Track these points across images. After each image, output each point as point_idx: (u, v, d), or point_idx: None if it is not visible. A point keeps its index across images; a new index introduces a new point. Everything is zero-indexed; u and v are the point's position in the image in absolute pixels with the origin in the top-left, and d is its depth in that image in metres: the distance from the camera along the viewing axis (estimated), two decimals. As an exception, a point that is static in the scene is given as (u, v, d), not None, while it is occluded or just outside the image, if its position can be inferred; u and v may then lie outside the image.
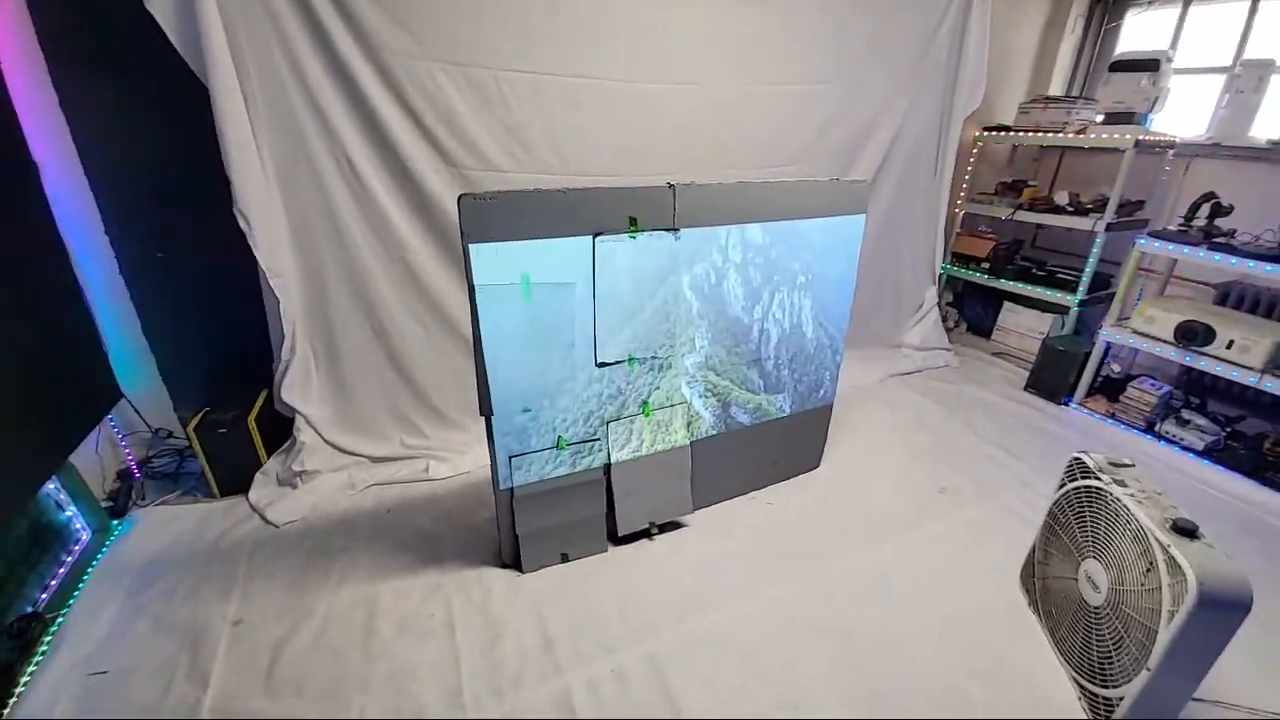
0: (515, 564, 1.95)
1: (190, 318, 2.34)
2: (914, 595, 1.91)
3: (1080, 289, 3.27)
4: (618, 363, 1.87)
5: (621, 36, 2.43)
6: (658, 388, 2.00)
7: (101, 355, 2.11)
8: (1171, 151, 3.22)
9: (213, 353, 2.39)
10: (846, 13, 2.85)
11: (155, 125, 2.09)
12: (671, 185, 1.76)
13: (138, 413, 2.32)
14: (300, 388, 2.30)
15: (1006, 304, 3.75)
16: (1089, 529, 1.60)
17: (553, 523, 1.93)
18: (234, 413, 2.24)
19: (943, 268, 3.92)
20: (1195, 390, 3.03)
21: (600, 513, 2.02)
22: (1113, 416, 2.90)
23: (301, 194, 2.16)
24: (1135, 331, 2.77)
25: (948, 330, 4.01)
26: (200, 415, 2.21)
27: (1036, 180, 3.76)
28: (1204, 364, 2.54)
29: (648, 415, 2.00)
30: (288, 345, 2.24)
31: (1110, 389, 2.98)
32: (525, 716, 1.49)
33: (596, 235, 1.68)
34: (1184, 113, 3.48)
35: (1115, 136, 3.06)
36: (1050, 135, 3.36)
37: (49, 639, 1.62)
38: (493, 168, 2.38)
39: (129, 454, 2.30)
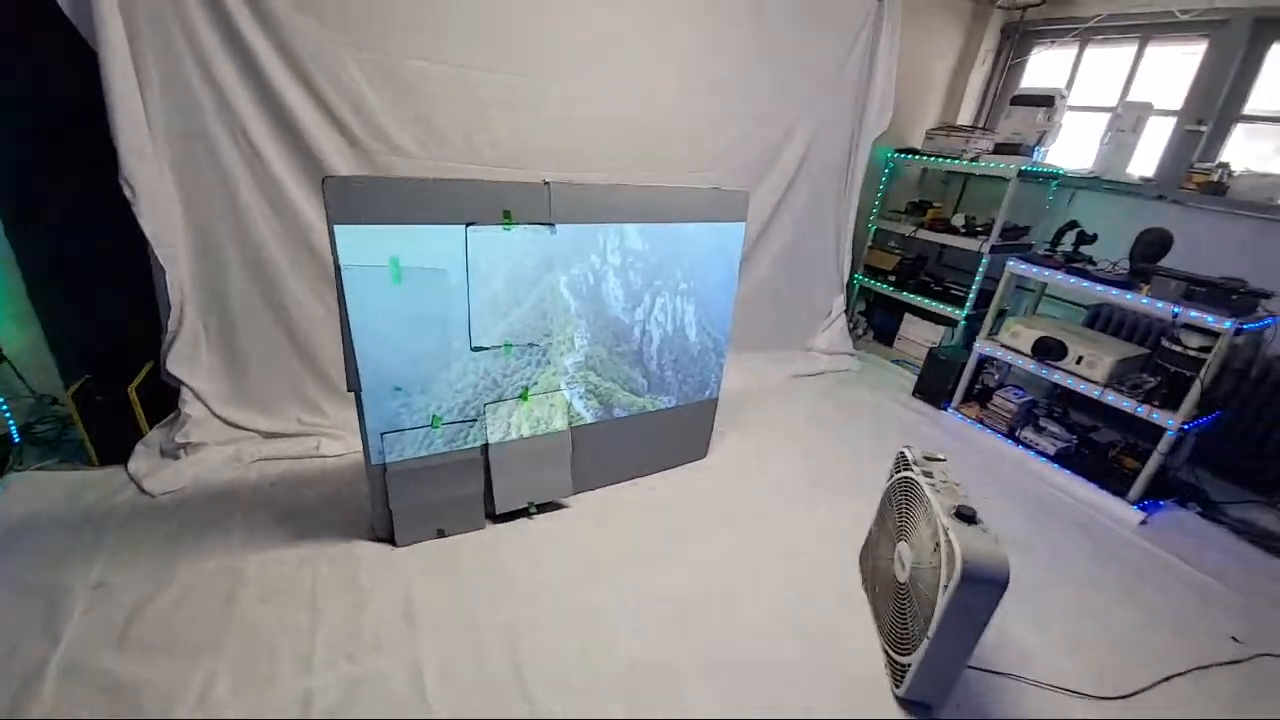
0: (390, 538, 2.02)
1: (78, 284, 2.31)
2: (770, 580, 2.05)
3: (967, 304, 3.52)
4: (494, 348, 1.96)
5: (542, 36, 2.52)
6: (535, 383, 2.09)
7: (-24, 317, 2.08)
8: (1055, 182, 3.50)
9: (101, 320, 2.36)
10: (765, 28, 3.01)
11: (43, 86, 2.06)
12: (547, 182, 1.86)
13: (20, 376, 2.29)
14: (188, 360, 2.32)
15: (908, 315, 4.00)
16: (903, 515, 1.78)
17: (428, 499, 2.01)
18: (115, 381, 2.24)
19: (856, 278, 4.15)
20: (1064, 400, 3.30)
21: (478, 491, 2.10)
22: (981, 421, 3.14)
23: (195, 168, 2.17)
24: (1003, 345, 3.01)
25: (857, 337, 4.25)
26: (81, 382, 2.20)
27: (942, 202, 4.00)
28: (1058, 377, 2.79)
29: (526, 400, 2.09)
30: (174, 316, 2.25)
31: (984, 396, 3.23)
32: (373, 680, 1.57)
33: (469, 225, 1.77)
34: (1080, 147, 3.78)
35: (1001, 166, 3.31)
36: (949, 161, 3.60)
37: (-110, 598, 1.62)
38: (401, 152, 2.44)
39: (9, 418, 2.27)
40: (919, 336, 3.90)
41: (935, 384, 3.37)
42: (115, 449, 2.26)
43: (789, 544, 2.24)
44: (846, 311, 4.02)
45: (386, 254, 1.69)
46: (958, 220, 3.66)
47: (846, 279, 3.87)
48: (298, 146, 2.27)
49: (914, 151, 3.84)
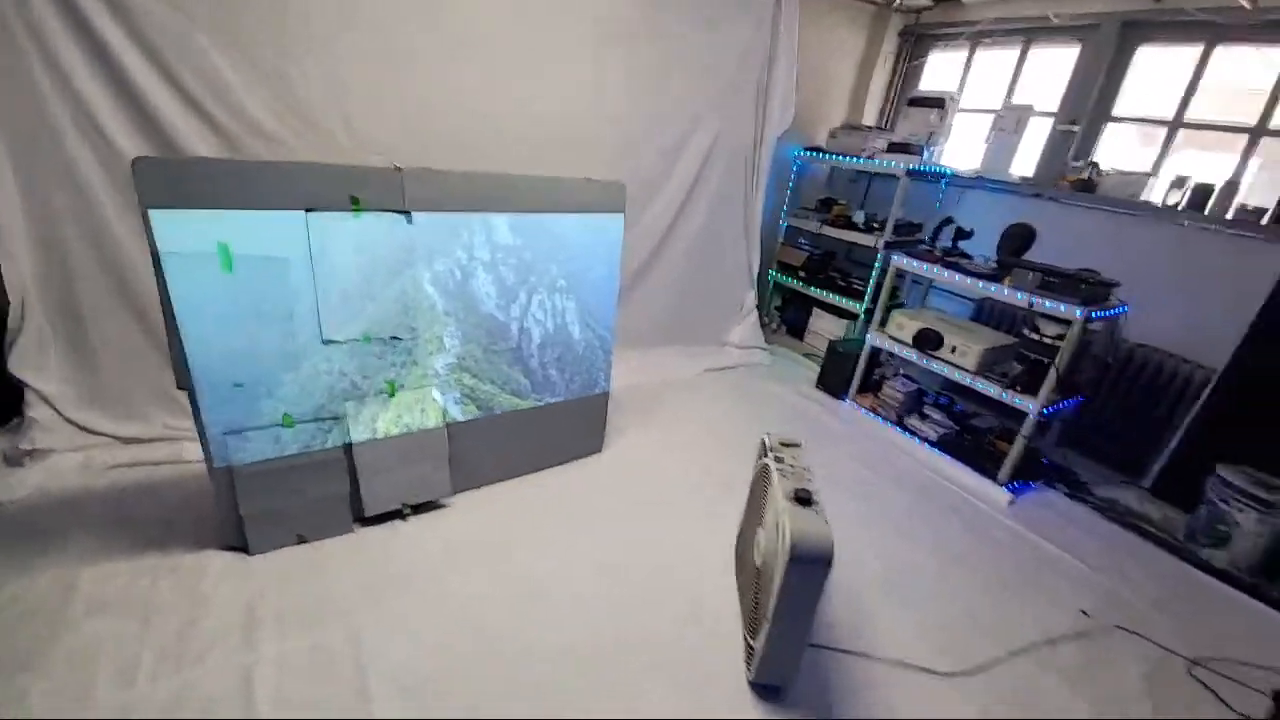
0: (244, 546, 1.93)
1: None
2: (649, 570, 2.05)
3: (866, 298, 3.64)
4: (349, 342, 1.90)
5: (432, 23, 2.49)
6: (402, 385, 2.04)
7: None
8: (944, 181, 3.65)
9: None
10: (663, 25, 3.03)
11: None
12: (399, 168, 1.82)
13: None
14: (34, 360, 2.17)
15: (815, 310, 4.10)
16: (759, 501, 1.81)
17: (285, 503, 1.93)
18: (-55, 386, 2.07)
19: (771, 274, 4.23)
20: (953, 389, 3.44)
21: (343, 493, 2.03)
22: (875, 411, 3.25)
23: (36, 159, 2.04)
24: (890, 337, 3.11)
25: (772, 331, 4.33)
26: (-99, 387, 2.03)
27: (847, 200, 4.12)
28: (935, 366, 2.91)
29: (393, 395, 2.04)
30: (15, 314, 2.10)
31: (879, 387, 3.33)
32: (197, 691, 1.49)
33: (309, 210, 1.71)
34: (974, 147, 3.94)
35: (891, 165, 3.43)
36: (849, 160, 3.70)
37: None
38: (270, 139, 2.34)
39: None
40: (825, 330, 4.00)
41: (835, 376, 3.47)
42: (-53, 458, 2.09)
43: (674, 534, 2.25)
44: (760, 307, 4.10)
45: (213, 240, 1.61)
46: (859, 217, 3.77)
47: (756, 274, 3.94)
48: (154, 134, 2.16)
49: (819, 150, 3.94)
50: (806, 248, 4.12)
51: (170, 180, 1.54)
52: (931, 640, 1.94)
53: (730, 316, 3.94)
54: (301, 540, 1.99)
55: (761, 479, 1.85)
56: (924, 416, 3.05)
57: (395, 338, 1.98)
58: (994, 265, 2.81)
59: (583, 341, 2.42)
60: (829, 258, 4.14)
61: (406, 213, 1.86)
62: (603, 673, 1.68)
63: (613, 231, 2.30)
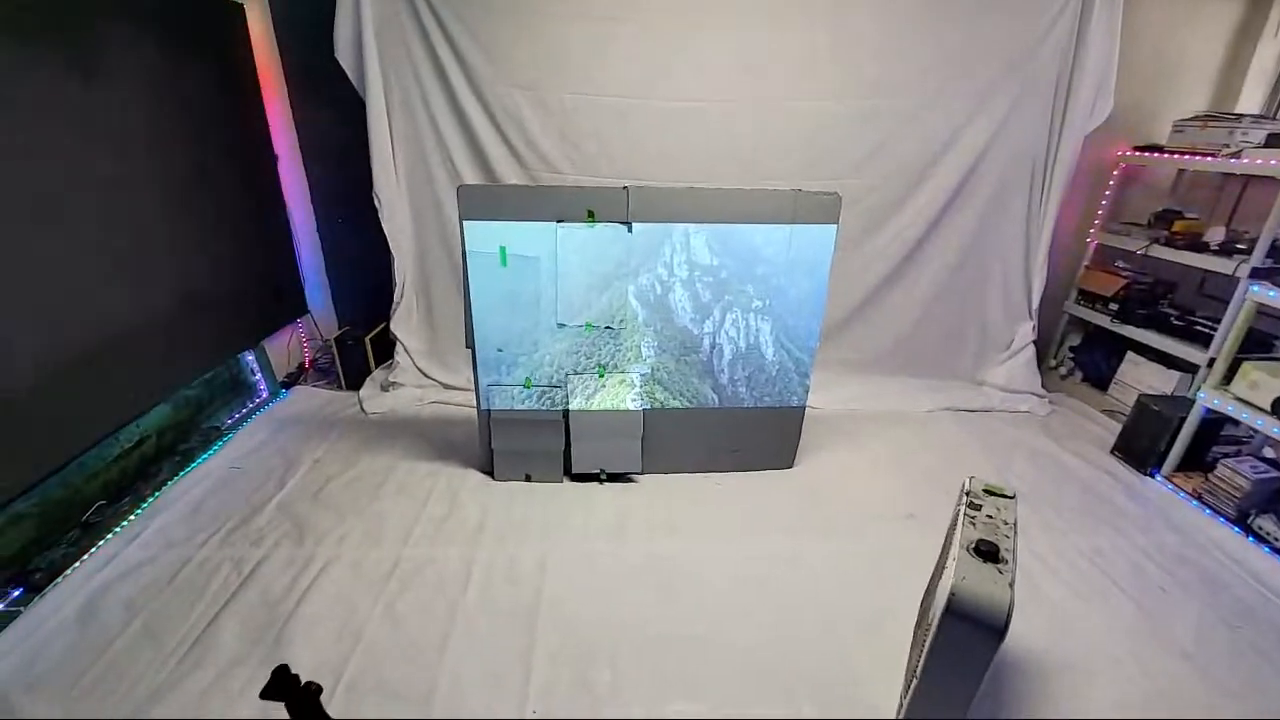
0: (491, 473, 2.50)
1: (354, 264, 3.36)
2: (809, 596, 1.96)
3: (1214, 344, 2.67)
4: (576, 327, 2.30)
5: (665, 63, 2.82)
6: (609, 375, 2.36)
7: (297, 282, 3.21)
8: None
9: (363, 290, 3.38)
10: (919, 21, 2.80)
11: (346, 133, 3.08)
12: (625, 187, 2.14)
13: (315, 326, 3.43)
14: (404, 323, 3.18)
15: (1130, 355, 3.16)
16: (945, 552, 1.57)
17: (520, 447, 2.44)
18: (360, 333, 3.20)
19: (1068, 306, 3.46)
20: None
21: (559, 449, 2.46)
22: (1199, 497, 2.37)
23: (418, 185, 3.00)
24: (1237, 398, 2.24)
25: (1061, 377, 3.52)
26: (341, 331, 3.21)
27: (1201, 214, 3.08)
28: (1313, 447, 1.99)
29: (602, 377, 2.38)
30: (398, 291, 3.13)
31: (1211, 466, 2.43)
32: (438, 564, 2.03)
33: (559, 221, 2.15)
34: None
35: (1266, 163, 2.46)
36: (1198, 159, 2.79)
37: (220, 445, 2.65)
38: (554, 169, 2.97)
39: (307, 352, 3.42)
40: (1141, 383, 3.05)
41: (1142, 441, 2.64)
42: (356, 379, 3.22)
43: (854, 567, 2.08)
44: (1043, 344, 3.38)
45: (497, 243, 2.16)
46: (1215, 234, 2.81)
47: (1037, 304, 3.26)
48: (485, 168, 2.96)
49: (1156, 148, 3.06)
50: (1127, 273, 3.23)
51: (477, 200, 2.13)
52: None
53: (993, 351, 3.34)
54: (527, 478, 2.48)
55: (952, 528, 1.60)
56: (1282, 517, 2.12)
57: (609, 327, 2.32)
58: None
59: (775, 363, 2.41)
60: (1164, 289, 3.17)
61: (628, 223, 2.18)
62: (717, 677, 1.68)
63: (823, 245, 2.23)
